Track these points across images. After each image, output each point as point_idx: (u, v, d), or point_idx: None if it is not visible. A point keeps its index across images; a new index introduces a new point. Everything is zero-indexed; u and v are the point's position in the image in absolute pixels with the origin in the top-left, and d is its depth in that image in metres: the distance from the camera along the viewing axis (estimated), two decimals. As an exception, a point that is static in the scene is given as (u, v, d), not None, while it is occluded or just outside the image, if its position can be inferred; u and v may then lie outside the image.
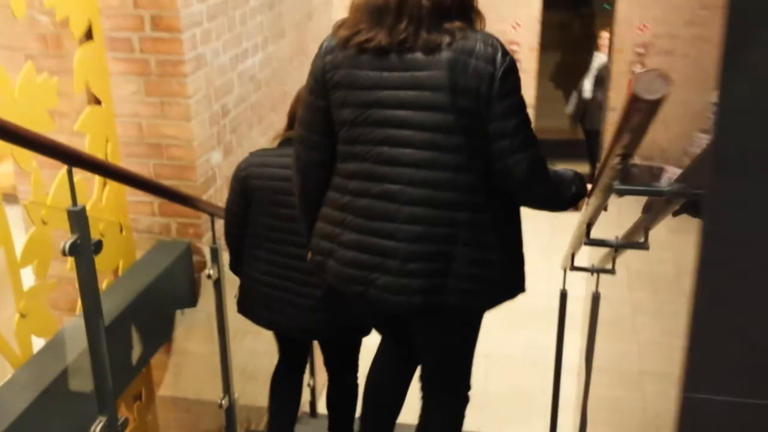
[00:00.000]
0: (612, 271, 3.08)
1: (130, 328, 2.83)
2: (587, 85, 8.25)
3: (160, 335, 3.17)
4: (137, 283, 2.92)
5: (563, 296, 3.97)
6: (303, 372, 3.05)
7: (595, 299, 3.21)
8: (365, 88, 1.88)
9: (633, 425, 4.37)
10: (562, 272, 3.79)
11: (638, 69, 7.29)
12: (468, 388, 2.29)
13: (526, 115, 1.89)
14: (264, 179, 2.61)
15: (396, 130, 1.87)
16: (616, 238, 2.69)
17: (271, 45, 4.03)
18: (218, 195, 3.42)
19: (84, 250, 1.94)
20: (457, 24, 1.82)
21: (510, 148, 1.84)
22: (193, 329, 3.51)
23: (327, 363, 2.99)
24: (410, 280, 1.90)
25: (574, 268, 3.39)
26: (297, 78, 4.49)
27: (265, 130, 4.00)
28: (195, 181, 3.22)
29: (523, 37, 8.41)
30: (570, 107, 8.62)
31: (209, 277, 3.08)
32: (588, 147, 8.56)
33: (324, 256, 2.06)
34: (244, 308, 2.85)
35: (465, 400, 2.32)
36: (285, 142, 2.64)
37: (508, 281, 2.03)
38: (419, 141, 1.85)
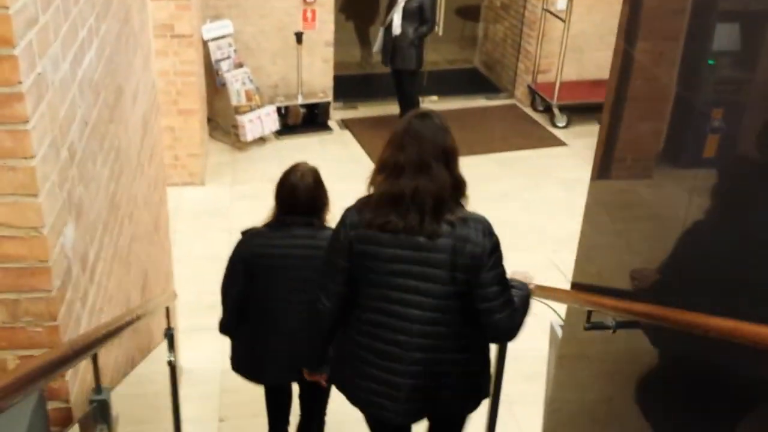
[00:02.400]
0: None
1: None
2: (396, 20, 7.36)
3: None
4: None
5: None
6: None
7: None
8: (384, 261, 2.40)
9: None
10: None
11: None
12: None
13: (506, 280, 2.42)
14: (274, 256, 3.03)
15: (407, 295, 2.41)
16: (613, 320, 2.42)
17: (103, 23, 2.62)
18: (75, 291, 2.10)
19: None
20: (457, 216, 2.36)
21: (492, 309, 2.38)
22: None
23: (303, 399, 3.45)
24: (411, 406, 2.51)
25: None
26: (127, 63, 3.09)
27: (107, 154, 2.62)
28: (50, 290, 1.89)
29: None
30: (377, 45, 7.71)
31: (169, 363, 3.01)
32: (398, 88, 7.77)
33: (345, 381, 2.61)
34: (240, 366, 3.31)
35: None
36: (279, 223, 3.06)
37: (486, 389, 2.67)
38: (425, 304, 2.40)
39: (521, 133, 8.12)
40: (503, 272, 2.40)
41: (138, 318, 2.43)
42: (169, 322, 3.02)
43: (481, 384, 2.60)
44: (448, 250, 2.32)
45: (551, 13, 8.15)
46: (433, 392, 2.47)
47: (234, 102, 7.29)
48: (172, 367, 3.02)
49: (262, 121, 7.45)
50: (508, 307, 2.38)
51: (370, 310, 2.45)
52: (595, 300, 2.31)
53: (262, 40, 7.74)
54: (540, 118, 8.44)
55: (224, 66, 7.29)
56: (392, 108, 8.08)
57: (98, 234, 2.42)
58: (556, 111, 8.19)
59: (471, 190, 2.46)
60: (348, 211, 2.47)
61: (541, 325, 4.70)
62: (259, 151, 7.47)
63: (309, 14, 7.64)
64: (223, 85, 7.31)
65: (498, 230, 2.47)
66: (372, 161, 7.35)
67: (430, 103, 8.52)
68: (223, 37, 7.31)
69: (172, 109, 6.43)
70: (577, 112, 8.26)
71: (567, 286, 5.62)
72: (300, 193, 2.98)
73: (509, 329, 2.43)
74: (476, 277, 2.33)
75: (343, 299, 2.49)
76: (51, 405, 1.96)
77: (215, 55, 7.26)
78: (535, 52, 8.45)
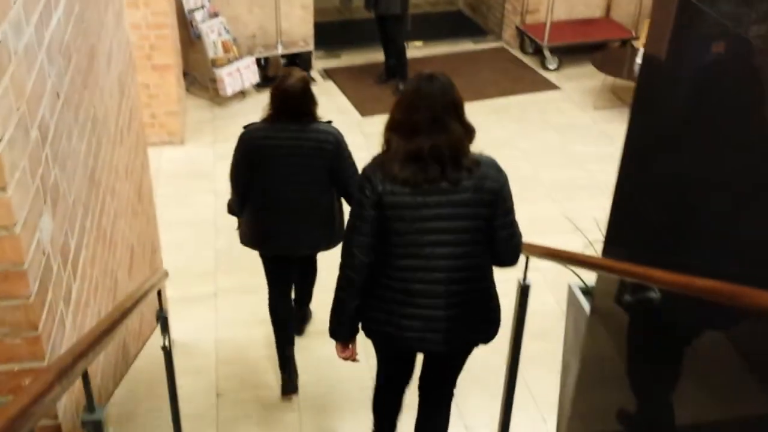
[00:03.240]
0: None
1: None
2: (380, -38, 6.97)
3: None
4: None
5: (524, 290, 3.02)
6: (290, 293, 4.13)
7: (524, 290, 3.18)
8: (413, 208, 2.60)
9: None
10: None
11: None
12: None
13: (514, 211, 2.73)
14: (270, 147, 3.56)
15: (438, 236, 2.64)
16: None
17: (70, -25, 2.29)
18: (57, 290, 1.83)
19: None
20: (471, 160, 2.61)
21: (510, 235, 2.73)
22: None
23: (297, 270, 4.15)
24: (450, 335, 2.76)
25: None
26: (99, 21, 2.76)
27: (83, 126, 2.32)
28: (27, 296, 1.62)
29: None
30: (360, -11, 7.33)
31: (163, 348, 2.91)
32: (382, 34, 7.40)
33: (380, 321, 2.79)
34: (247, 241, 3.80)
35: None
36: (274, 120, 3.58)
37: (499, 316, 2.89)
38: (453, 242, 2.66)
39: (511, 77, 7.82)
40: (513, 204, 2.71)
41: (128, 312, 2.17)
42: (161, 305, 2.76)
43: (498, 310, 2.87)
44: (470, 189, 2.58)
45: (540, -51, 7.78)
46: (467, 319, 2.76)
47: (211, 54, 6.91)
48: (167, 352, 2.78)
49: (242, 73, 7.08)
50: (517, 231, 2.75)
51: (402, 256, 2.65)
52: (645, 273, 2.07)
53: (237, -13, 7.33)
54: (530, 61, 8.13)
55: (198, 16, 6.88)
56: (377, 55, 7.73)
57: (79, 219, 2.14)
58: (546, 53, 7.88)
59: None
60: (369, 168, 2.65)
61: (546, 280, 4.52)
62: (240, 106, 7.12)
63: (286, -42, 7.21)
64: (198, 36, 6.91)
65: None
66: (358, 111, 7.05)
67: (415, 48, 8.17)
68: (195, -16, 6.89)
69: (146, 65, 6.04)
70: (568, 54, 7.96)
71: (580, 239, 5.44)
72: (290, 99, 3.53)
73: (518, 252, 2.79)
74: (496, 209, 2.62)
75: (374, 251, 2.65)
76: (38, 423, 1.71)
77: (188, 4, 6.84)
78: (523, -8, 8.09)
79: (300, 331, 4.43)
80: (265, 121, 3.60)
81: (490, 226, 2.64)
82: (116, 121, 2.99)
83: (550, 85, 7.66)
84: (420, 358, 3.10)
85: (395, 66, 7.42)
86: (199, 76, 7.32)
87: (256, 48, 7.41)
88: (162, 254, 4.27)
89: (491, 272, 2.81)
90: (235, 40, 7.12)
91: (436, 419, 3.23)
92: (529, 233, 5.38)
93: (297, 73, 3.65)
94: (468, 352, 2.96)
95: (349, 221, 2.71)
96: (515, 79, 7.77)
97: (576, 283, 3.36)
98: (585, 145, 6.68)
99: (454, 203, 2.58)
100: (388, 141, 2.60)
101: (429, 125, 2.50)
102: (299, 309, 4.40)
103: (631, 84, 7.54)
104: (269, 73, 7.47)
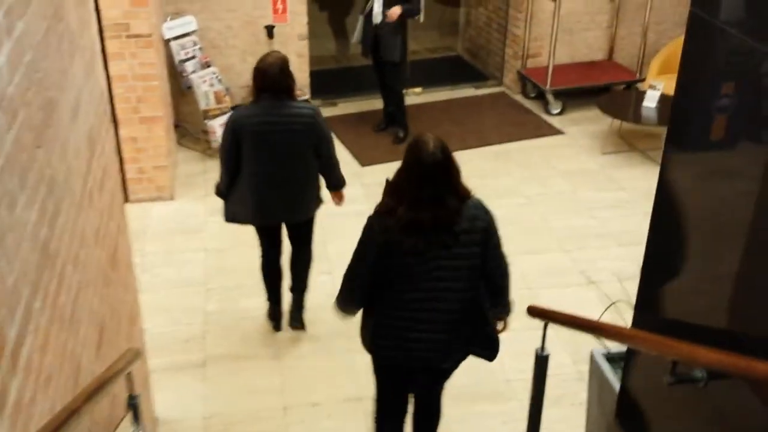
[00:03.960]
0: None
1: None
2: (377, 7, 6.75)
3: None
4: None
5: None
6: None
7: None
8: (415, 257, 2.99)
9: None
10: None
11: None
12: None
13: (501, 244, 3.13)
14: (253, 125, 4.05)
15: (442, 280, 3.04)
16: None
17: (19, 21, 2.01)
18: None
19: None
20: (463, 209, 2.99)
21: (500, 265, 3.15)
22: None
23: (291, 238, 4.48)
24: (449, 354, 3.22)
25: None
26: (61, 70, 2.48)
27: (33, 191, 2.01)
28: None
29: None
30: (356, 36, 7.09)
31: None
32: (381, 81, 7.17)
33: (389, 347, 3.19)
34: (238, 213, 4.27)
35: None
36: (256, 100, 4.08)
37: (498, 340, 3.31)
38: (457, 279, 3.05)
39: (514, 122, 7.56)
40: (499, 237, 3.10)
41: (75, 414, 1.83)
42: (132, 389, 2.43)
43: (494, 331, 3.27)
44: (463, 232, 2.97)
45: (540, -8, 7.59)
46: (460, 339, 3.18)
47: (202, 105, 6.66)
48: (140, 445, 2.43)
49: (235, 124, 6.82)
50: (505, 260, 3.17)
51: (410, 291, 3.05)
52: (689, 351, 1.74)
53: (229, 36, 7.11)
54: (532, 106, 7.88)
55: (189, 67, 6.65)
56: (375, 103, 7.50)
57: (23, 301, 1.82)
58: (549, 97, 7.64)
59: (469, 187, 3.06)
60: (373, 219, 3.01)
61: (560, 337, 4.18)
62: (233, 158, 6.84)
63: (279, 6, 7.02)
64: (190, 87, 6.67)
65: (505, 230, 3.21)
66: (358, 161, 6.76)
67: (414, 95, 7.94)
68: (186, 35, 6.66)
69: (133, 118, 5.79)
70: (572, 98, 7.72)
71: (595, 293, 5.11)
72: (268, 78, 3.95)
73: (508, 276, 3.20)
74: (486, 245, 3.04)
75: (368, 285, 3.08)
76: None
77: (179, 55, 6.61)
78: (523, 36, 7.88)
79: (297, 320, 4.62)
80: (250, 102, 4.12)
81: (483, 260, 3.05)
82: (84, 182, 2.69)
83: (554, 130, 7.40)
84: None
85: (394, 113, 7.17)
86: (190, 127, 7.07)
87: (251, 98, 7.17)
88: (146, 317, 3.93)
89: (485, 299, 3.20)
90: (228, 90, 6.88)
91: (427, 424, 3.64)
92: (541, 287, 5.15)
93: (275, 53, 4.13)
94: (458, 362, 3.37)
95: (353, 260, 3.09)
96: (518, 124, 7.51)
97: (599, 349, 3.03)
98: (594, 191, 6.38)
99: (453, 251, 2.99)
100: (391, 208, 2.95)
101: (430, 201, 2.91)
102: (296, 296, 4.62)
103: (638, 128, 7.31)
104: (264, 124, 7.22)
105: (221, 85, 6.80)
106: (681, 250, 2.07)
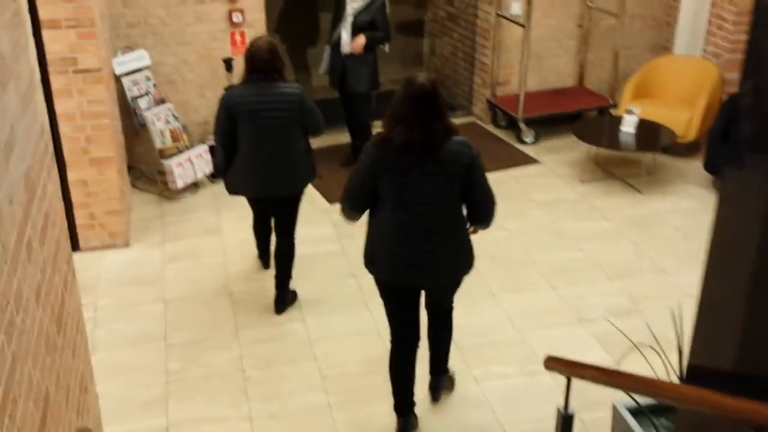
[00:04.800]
0: None
1: None
2: (344, 36, 6.41)
3: None
4: None
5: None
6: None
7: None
8: (404, 176, 3.48)
9: None
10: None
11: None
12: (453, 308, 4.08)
13: (487, 178, 3.59)
14: (245, 104, 4.45)
15: (426, 197, 3.50)
16: None
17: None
18: None
19: None
20: (449, 142, 3.45)
21: (485, 202, 3.59)
22: None
23: (277, 221, 4.87)
24: (437, 271, 3.63)
25: None
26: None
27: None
28: None
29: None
30: (323, 66, 6.74)
31: None
32: (347, 113, 6.82)
33: (380, 262, 3.64)
34: (238, 186, 4.71)
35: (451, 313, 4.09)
36: (248, 80, 4.49)
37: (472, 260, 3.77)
38: (438, 201, 3.51)
39: (487, 153, 7.15)
40: (484, 171, 3.55)
41: None
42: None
43: (471, 257, 3.73)
44: (447, 162, 3.41)
45: (507, 18, 7.35)
46: (448, 260, 3.60)
47: (158, 144, 6.23)
48: None
49: (193, 163, 6.40)
50: (491, 195, 3.59)
51: (397, 210, 3.49)
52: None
53: (185, 71, 6.70)
54: (504, 135, 7.61)
55: (143, 104, 6.23)
56: (341, 137, 7.14)
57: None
58: (522, 126, 7.37)
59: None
60: (371, 145, 3.56)
61: (557, 382, 3.81)
62: (192, 200, 6.41)
63: (238, 37, 6.65)
64: (143, 125, 6.24)
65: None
66: (325, 198, 6.37)
67: (381, 128, 7.59)
68: (139, 70, 6.25)
69: (82, 159, 5.34)
70: (544, 126, 7.47)
71: (587, 331, 4.73)
72: (258, 60, 4.38)
73: (493, 212, 3.64)
74: (471, 178, 3.47)
75: (366, 205, 3.60)
76: None
77: (131, 91, 6.19)
78: (491, 63, 7.63)
79: (282, 305, 4.84)
80: (242, 83, 4.50)
81: (467, 190, 3.48)
82: (19, 232, 2.26)
83: (529, 159, 7.12)
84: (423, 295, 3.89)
85: (362, 147, 6.80)
86: (146, 168, 6.62)
87: (208, 135, 6.74)
88: (98, 386, 3.46)
89: (464, 225, 3.65)
90: (185, 127, 6.47)
91: (440, 328, 4.01)
92: (529, 329, 4.77)
93: (264, 36, 4.65)
94: (454, 282, 3.79)
95: (351, 179, 3.58)
96: (491, 154, 7.20)
97: (622, 401, 2.66)
98: (575, 221, 6.09)
99: (435, 174, 3.42)
100: (390, 130, 3.45)
101: (421, 123, 3.36)
102: (280, 288, 4.83)
103: (615, 154, 7.05)
104: (224, 162, 6.82)
105: (177, 123, 6.39)
106: (744, 296, 1.73)
